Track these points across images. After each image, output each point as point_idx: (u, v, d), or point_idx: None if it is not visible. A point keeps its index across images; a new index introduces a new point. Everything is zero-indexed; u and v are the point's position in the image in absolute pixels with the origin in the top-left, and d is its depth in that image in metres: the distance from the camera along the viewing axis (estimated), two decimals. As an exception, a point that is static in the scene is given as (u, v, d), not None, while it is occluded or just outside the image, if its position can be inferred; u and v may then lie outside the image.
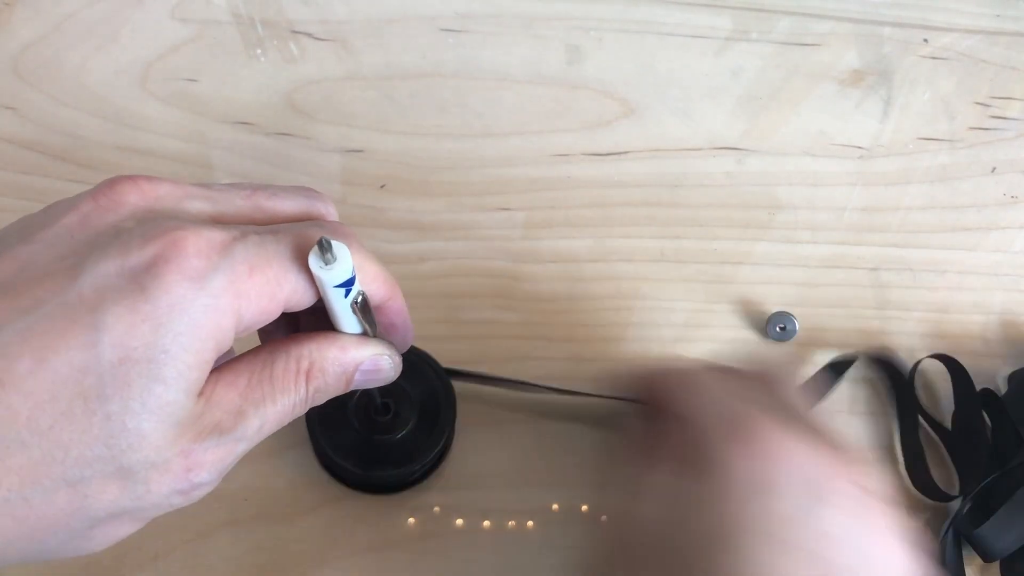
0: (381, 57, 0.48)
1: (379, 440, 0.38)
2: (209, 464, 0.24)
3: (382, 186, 0.45)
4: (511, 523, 0.39)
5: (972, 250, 0.47)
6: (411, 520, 0.39)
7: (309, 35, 0.48)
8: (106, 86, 0.46)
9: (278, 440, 0.37)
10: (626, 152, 0.47)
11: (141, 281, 0.23)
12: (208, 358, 0.24)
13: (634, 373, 0.37)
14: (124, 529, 0.24)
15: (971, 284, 0.46)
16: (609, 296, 0.44)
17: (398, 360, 0.29)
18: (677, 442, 0.32)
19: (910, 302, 0.45)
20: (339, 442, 0.38)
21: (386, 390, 0.38)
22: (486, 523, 0.39)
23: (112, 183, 0.25)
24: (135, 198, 0.25)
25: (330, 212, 0.29)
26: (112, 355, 0.22)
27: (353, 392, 0.38)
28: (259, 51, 0.47)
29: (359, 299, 0.26)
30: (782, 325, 0.43)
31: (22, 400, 0.21)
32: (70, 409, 0.22)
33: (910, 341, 0.44)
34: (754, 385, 0.34)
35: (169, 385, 0.23)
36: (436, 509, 0.39)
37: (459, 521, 0.39)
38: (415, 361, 0.40)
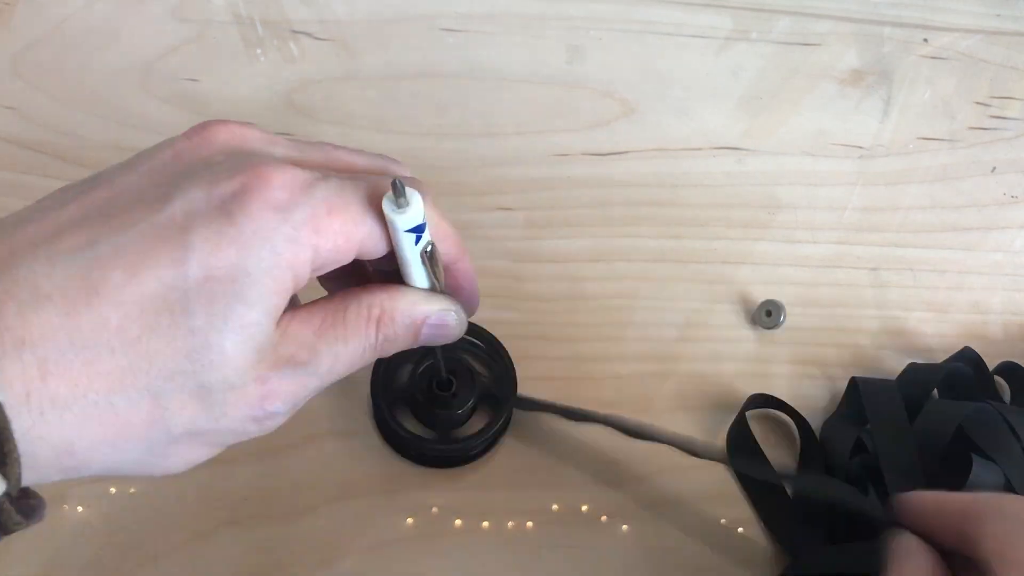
0: (381, 57, 0.48)
1: (438, 414, 0.39)
2: (284, 394, 0.25)
3: (382, 186, 0.45)
4: (511, 523, 0.39)
5: (972, 250, 0.47)
6: (410, 520, 0.39)
7: (309, 35, 0.48)
8: (106, 86, 0.46)
9: (278, 440, 0.37)
10: (626, 152, 0.47)
11: (228, 208, 0.24)
12: (287, 287, 0.25)
13: (941, 501, 0.31)
14: (199, 452, 0.25)
15: (971, 284, 0.46)
16: (609, 296, 0.44)
17: (464, 318, 0.30)
18: None
19: (910, 302, 0.45)
20: (401, 410, 0.39)
21: (451, 366, 0.39)
22: (485, 523, 0.39)
23: (205, 124, 0.27)
24: (225, 137, 0.26)
25: (405, 173, 0.30)
26: (198, 273, 0.23)
27: (419, 363, 0.39)
28: (259, 51, 0.47)
29: (428, 248, 0.27)
30: (768, 311, 0.43)
31: (113, 310, 0.22)
32: (157, 322, 0.23)
33: (910, 341, 0.44)
34: None
35: (251, 305, 0.24)
36: (435, 510, 0.39)
37: (458, 521, 0.39)
38: (484, 346, 0.40)
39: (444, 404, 0.39)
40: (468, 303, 0.31)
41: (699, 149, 0.48)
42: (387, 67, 0.48)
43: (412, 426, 0.39)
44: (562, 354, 0.42)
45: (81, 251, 0.23)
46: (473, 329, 0.40)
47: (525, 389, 0.41)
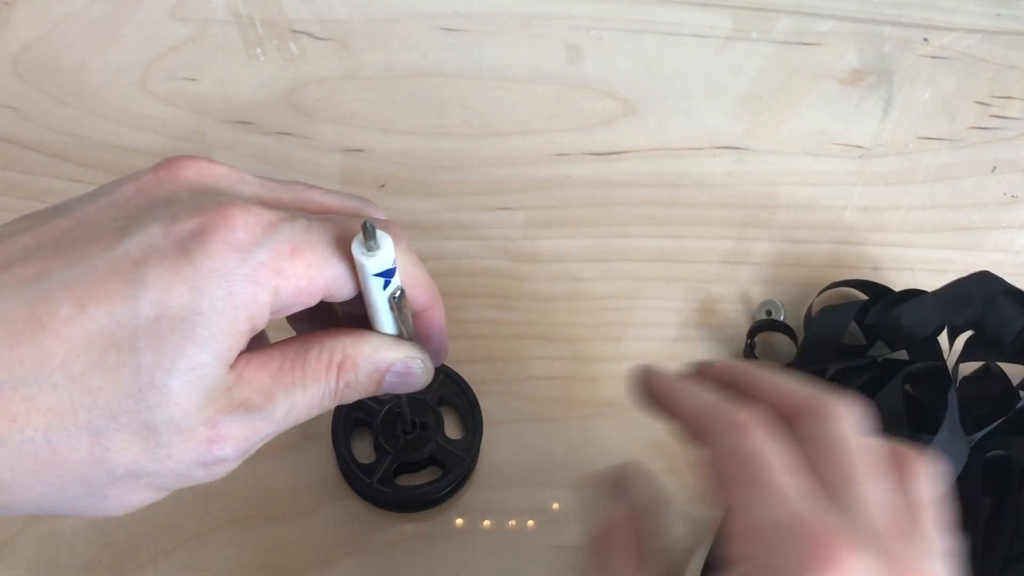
0: (381, 57, 0.48)
1: (405, 458, 0.38)
2: (234, 439, 0.24)
3: (382, 186, 0.45)
4: (511, 523, 0.39)
5: (972, 250, 0.47)
6: (410, 520, 0.39)
7: (309, 35, 0.48)
8: (106, 86, 0.46)
9: (279, 439, 0.37)
10: (626, 152, 0.47)
11: (187, 246, 0.23)
12: (241, 329, 0.24)
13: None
14: (141, 495, 0.25)
15: (971, 284, 0.46)
16: (609, 296, 0.44)
17: (430, 367, 0.29)
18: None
19: (910, 302, 0.45)
20: (365, 458, 0.38)
21: (415, 408, 0.38)
22: (486, 523, 0.39)
23: (172, 160, 0.26)
24: (192, 174, 0.26)
25: (378, 215, 0.29)
26: (149, 311, 0.23)
27: (380, 408, 0.38)
28: (259, 51, 0.47)
29: (397, 294, 0.26)
30: (768, 311, 0.43)
31: (59, 344, 0.22)
32: (103, 358, 0.22)
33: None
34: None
35: (200, 346, 0.23)
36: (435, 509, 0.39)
37: (459, 521, 0.39)
38: (445, 380, 0.39)
39: (410, 448, 0.38)
40: (436, 352, 0.30)
41: (699, 149, 0.48)
42: (387, 67, 0.48)
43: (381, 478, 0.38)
44: (562, 354, 0.42)
45: (29, 284, 0.22)
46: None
47: (525, 389, 0.41)
